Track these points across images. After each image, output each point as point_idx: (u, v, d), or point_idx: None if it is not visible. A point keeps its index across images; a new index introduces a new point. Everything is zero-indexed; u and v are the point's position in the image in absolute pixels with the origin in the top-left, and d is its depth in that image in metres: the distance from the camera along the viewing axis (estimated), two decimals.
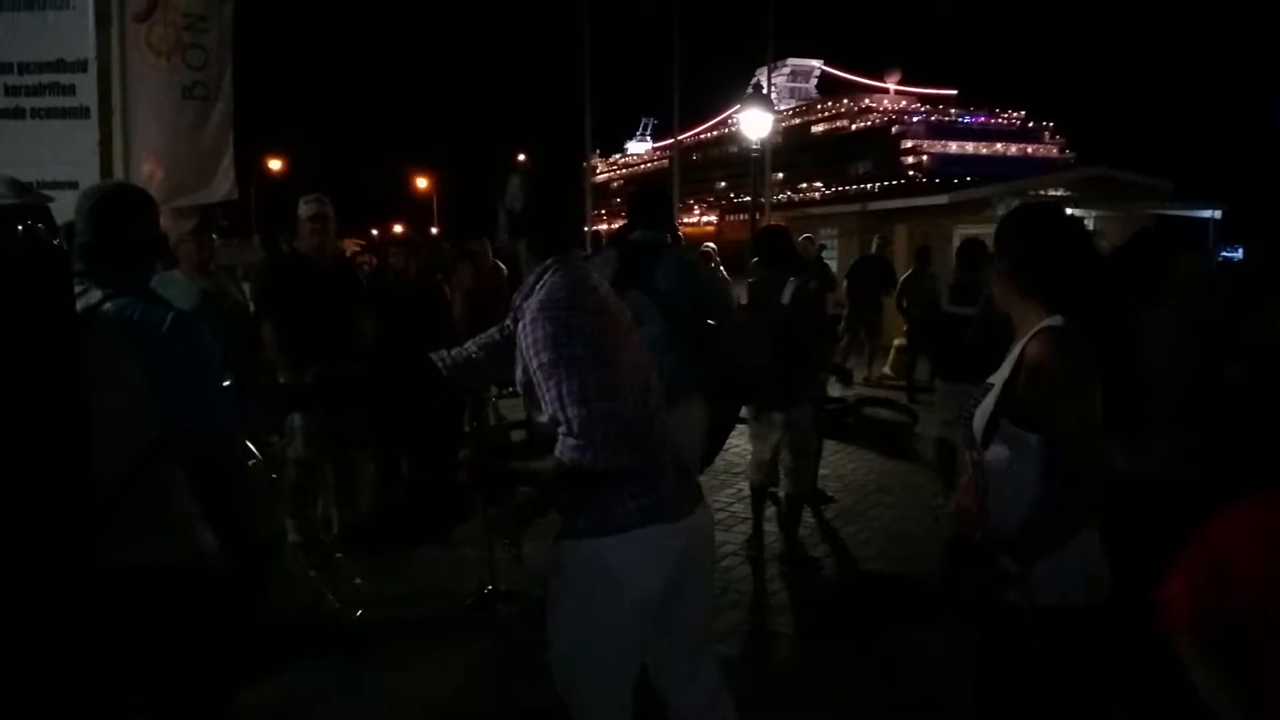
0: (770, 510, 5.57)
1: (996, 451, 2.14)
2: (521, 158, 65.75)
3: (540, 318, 2.12)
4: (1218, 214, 17.35)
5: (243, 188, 4.71)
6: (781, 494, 5.41)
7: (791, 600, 4.83)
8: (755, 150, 17.80)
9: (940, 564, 2.25)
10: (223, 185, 4.63)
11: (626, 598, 2.23)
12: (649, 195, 4.27)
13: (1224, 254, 17.29)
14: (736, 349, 3.99)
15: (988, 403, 2.17)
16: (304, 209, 4.66)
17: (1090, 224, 16.69)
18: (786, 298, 4.92)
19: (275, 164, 40.81)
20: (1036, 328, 2.12)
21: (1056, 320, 2.11)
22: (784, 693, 3.90)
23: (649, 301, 3.74)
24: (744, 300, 5.29)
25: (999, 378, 2.18)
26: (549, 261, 2.25)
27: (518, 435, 2.82)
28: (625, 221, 4.14)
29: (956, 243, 16.82)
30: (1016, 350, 2.16)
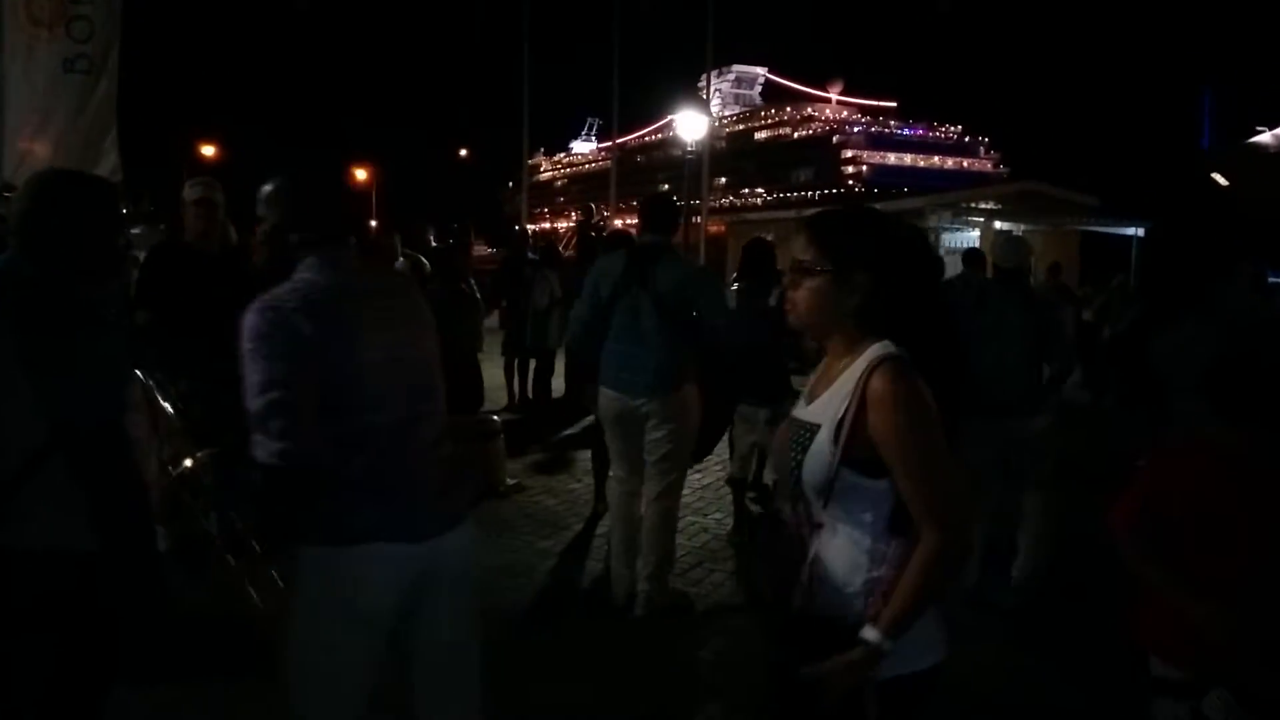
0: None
1: (836, 509, 1.86)
2: (464, 153, 64.97)
3: (252, 309, 2.07)
4: (1140, 231, 17.76)
5: (174, 174, 4.44)
6: (766, 480, 5.77)
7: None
8: (690, 153, 17.78)
9: (774, 656, 1.98)
10: (105, 165, 4.36)
11: (348, 612, 2.13)
12: (659, 202, 4.64)
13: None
14: (726, 347, 4.32)
15: (821, 450, 1.85)
16: (188, 192, 4.32)
17: (1017, 233, 17.02)
18: (774, 301, 5.20)
19: (208, 150, 39.86)
20: (872, 357, 1.84)
21: (890, 347, 1.85)
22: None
23: (647, 299, 4.21)
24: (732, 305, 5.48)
25: (827, 417, 1.87)
26: (306, 259, 2.18)
27: None
28: (637, 223, 4.55)
29: None
30: (849, 384, 1.85)
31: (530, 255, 10.19)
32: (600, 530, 5.83)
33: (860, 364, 1.86)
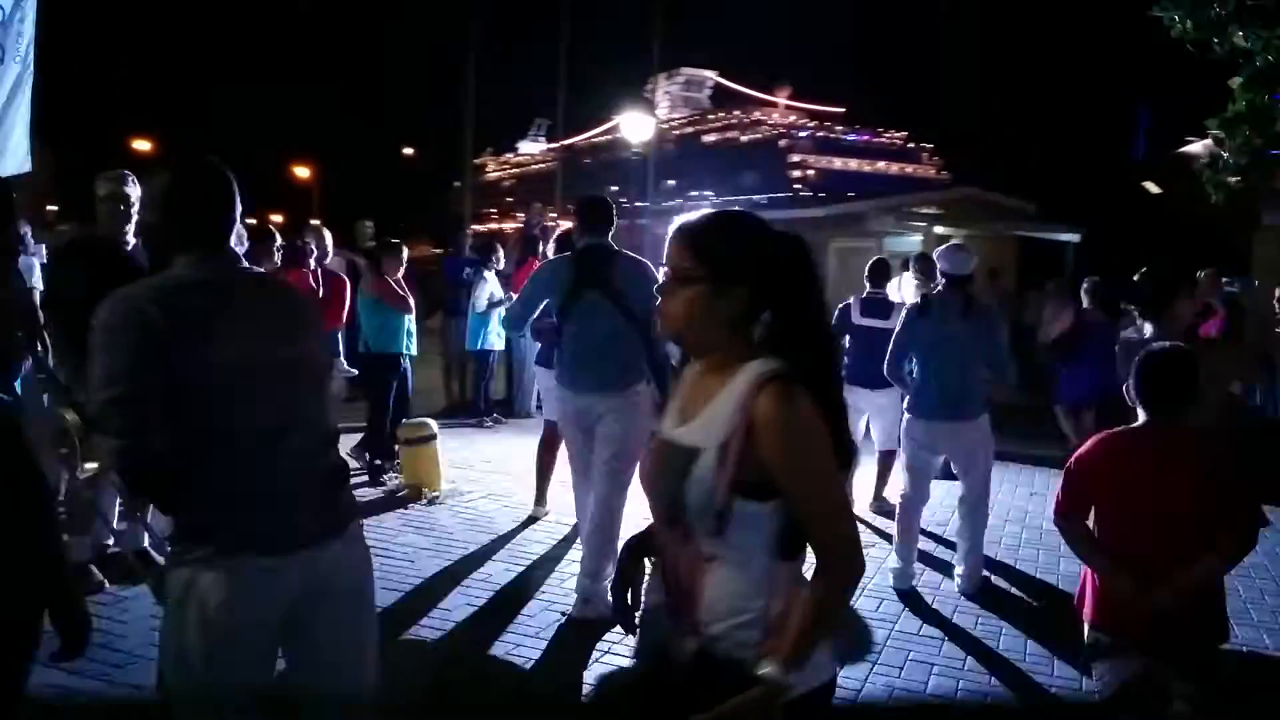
0: None
1: (728, 538, 1.73)
2: (410, 151, 64.16)
3: (104, 302, 1.99)
4: (1076, 238, 18.12)
5: (103, 169, 4.24)
6: None
7: None
8: (636, 154, 17.77)
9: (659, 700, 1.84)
10: (14, 159, 4.17)
11: (216, 628, 2.01)
12: (595, 203, 4.60)
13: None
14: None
15: (706, 476, 1.71)
16: (99, 187, 4.11)
17: (958, 242, 17.21)
18: None
19: (143, 145, 38.90)
20: (755, 374, 1.72)
21: (773, 363, 1.73)
22: None
23: (607, 301, 4.29)
24: None
25: (710, 441, 1.74)
26: (179, 258, 2.11)
27: None
28: (572, 225, 4.62)
29: (833, 255, 17.17)
30: (731, 404, 1.73)
31: (470, 256, 10.05)
32: (538, 535, 5.75)
33: (741, 382, 1.73)
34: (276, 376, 2.12)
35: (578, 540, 5.58)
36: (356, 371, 7.15)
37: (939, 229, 16.39)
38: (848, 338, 6.44)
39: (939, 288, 5.26)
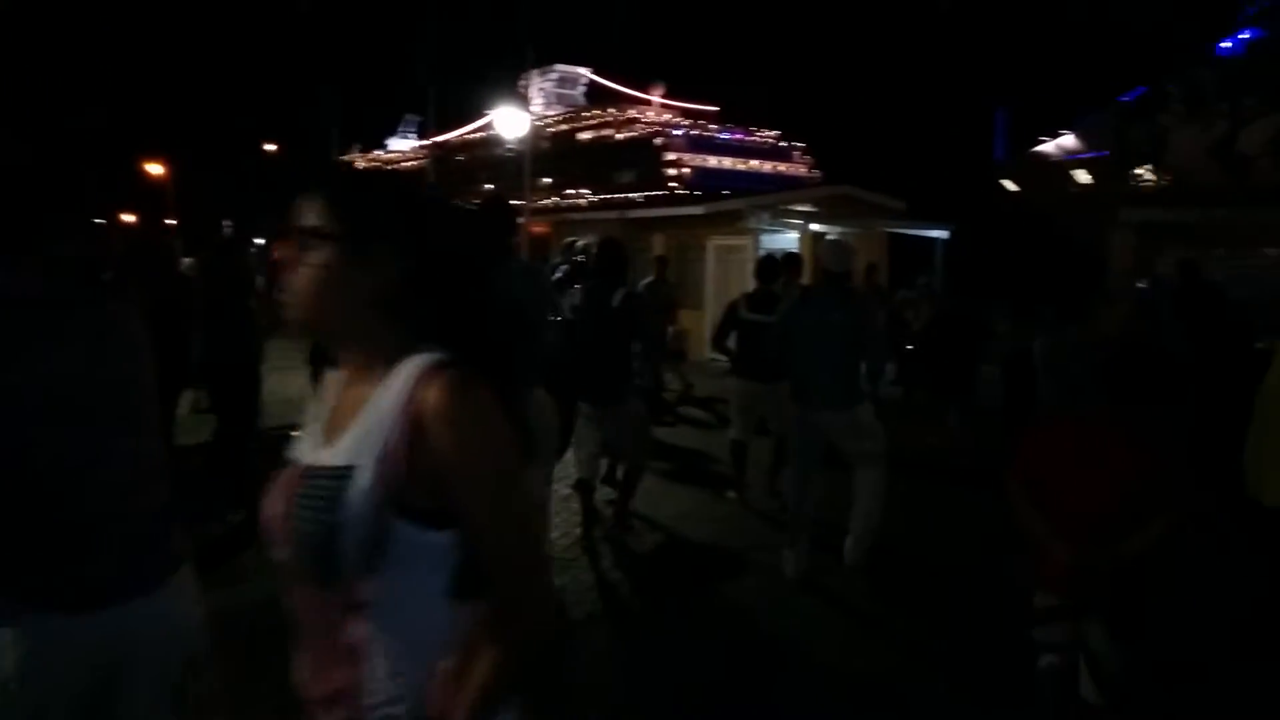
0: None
1: (391, 578, 1.35)
2: (271, 148, 61.91)
3: None
4: (945, 234, 18.61)
5: None
6: (620, 470, 5.98)
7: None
8: (510, 150, 17.34)
9: None
10: None
11: (8, 697, 1.75)
12: (492, 205, 4.67)
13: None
14: (558, 350, 4.41)
15: (361, 501, 1.32)
16: None
17: (832, 238, 17.43)
18: (616, 301, 5.35)
19: None
20: (416, 366, 1.37)
21: (438, 353, 1.39)
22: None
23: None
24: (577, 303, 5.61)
25: (364, 456, 1.34)
26: None
27: None
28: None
29: (711, 251, 17.12)
30: (387, 406, 1.35)
31: None
32: None
33: (400, 378, 1.37)
34: (82, 403, 1.81)
35: None
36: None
37: (814, 226, 16.52)
38: (734, 334, 6.67)
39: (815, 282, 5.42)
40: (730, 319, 6.64)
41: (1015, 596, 4.59)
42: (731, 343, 6.67)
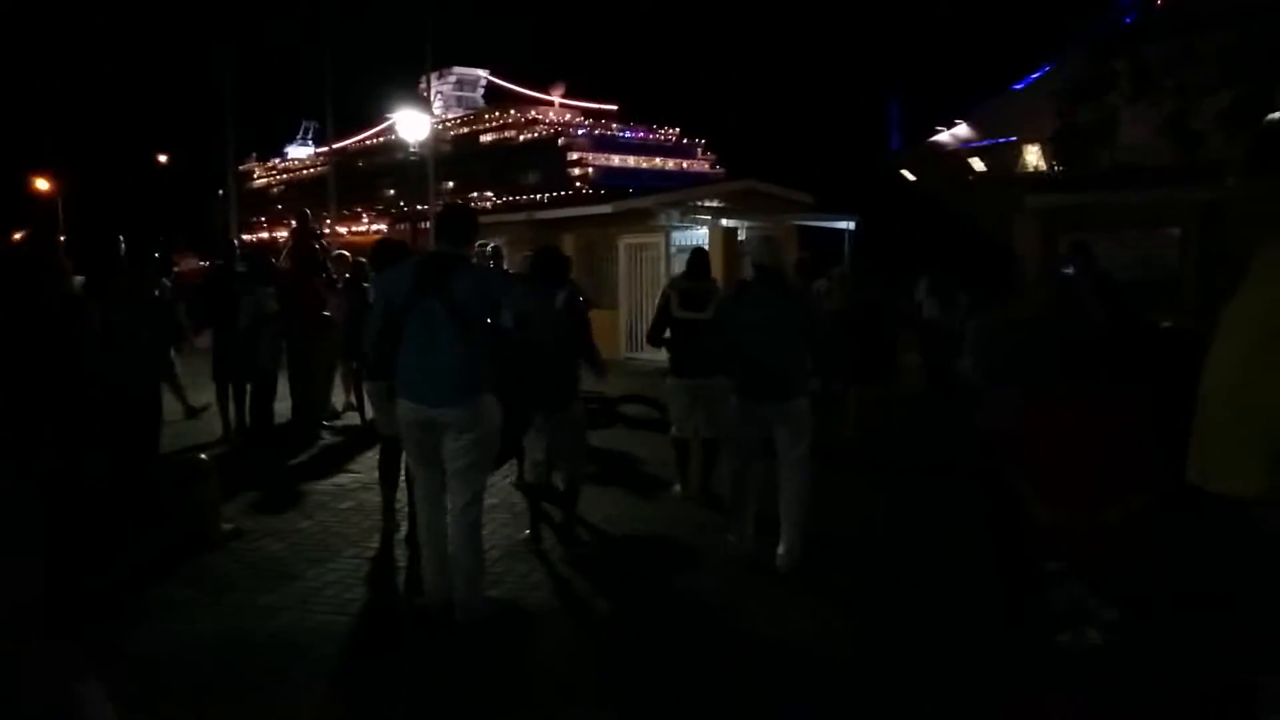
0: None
1: None
2: (163, 159, 59.47)
3: None
4: (852, 225, 18.95)
5: None
6: (560, 482, 5.93)
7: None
8: (414, 154, 17.03)
9: None
10: None
11: None
12: (453, 212, 4.77)
13: None
14: (514, 355, 4.45)
15: None
16: None
17: (742, 234, 17.68)
18: (559, 303, 5.42)
19: None
20: None
21: None
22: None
23: (442, 309, 4.21)
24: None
25: None
26: None
27: None
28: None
29: (623, 250, 17.13)
30: None
31: (239, 268, 9.14)
32: (331, 577, 5.16)
33: None
34: None
35: (383, 580, 5.10)
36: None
37: (725, 221, 16.62)
38: (668, 330, 6.65)
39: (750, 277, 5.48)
40: (664, 317, 6.64)
41: (956, 580, 5.06)
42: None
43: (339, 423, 9.88)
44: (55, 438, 4.10)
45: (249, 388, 8.77)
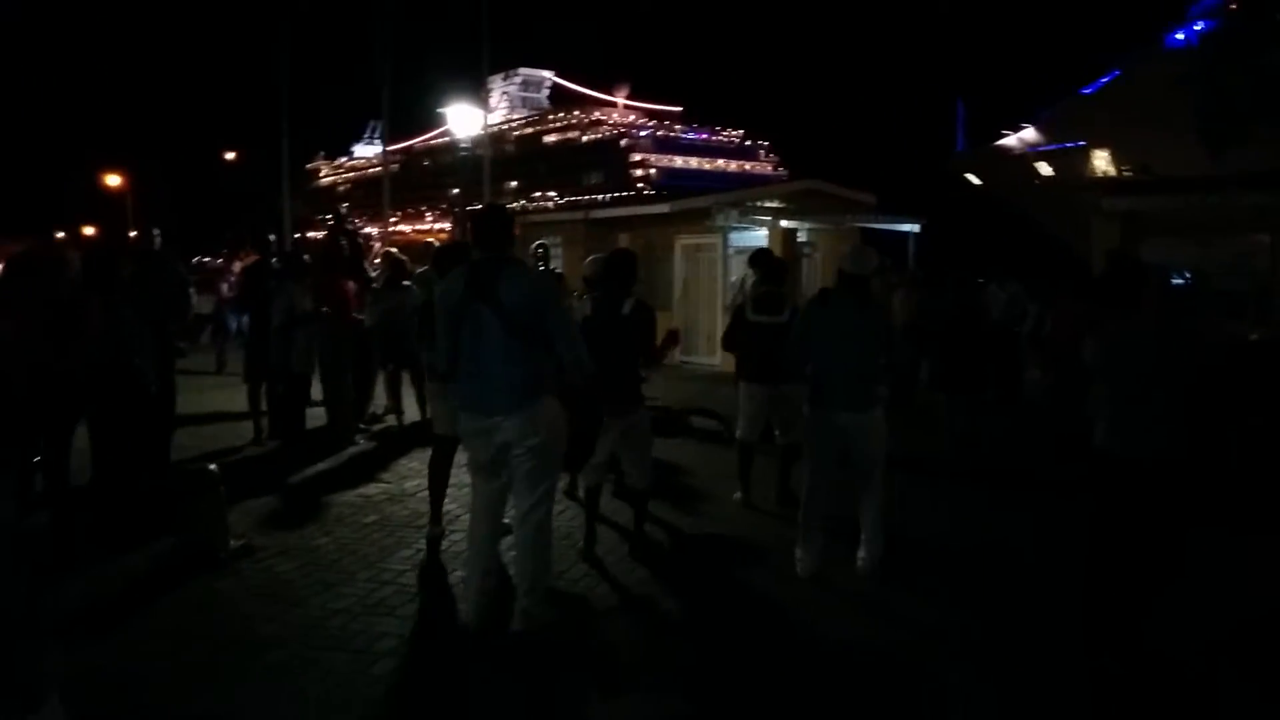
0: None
1: None
2: (231, 156, 60.66)
3: None
4: (917, 228, 18.18)
5: None
6: (632, 487, 5.75)
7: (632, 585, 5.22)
8: (466, 150, 16.75)
9: None
10: None
11: None
12: (489, 215, 4.59)
13: None
14: (575, 357, 4.25)
15: None
16: None
17: (802, 235, 17.05)
18: (627, 310, 5.35)
19: None
20: None
21: None
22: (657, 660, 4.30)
23: (491, 315, 4.13)
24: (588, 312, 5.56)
25: None
26: None
27: None
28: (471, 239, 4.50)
29: (679, 251, 16.64)
30: None
31: (274, 264, 8.86)
32: (342, 604, 4.73)
33: None
34: None
35: (394, 610, 4.66)
36: None
37: (785, 223, 16.01)
38: (741, 336, 6.64)
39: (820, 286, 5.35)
40: (738, 321, 6.69)
41: (1027, 584, 5.19)
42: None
43: (377, 427, 9.55)
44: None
45: (280, 390, 8.46)
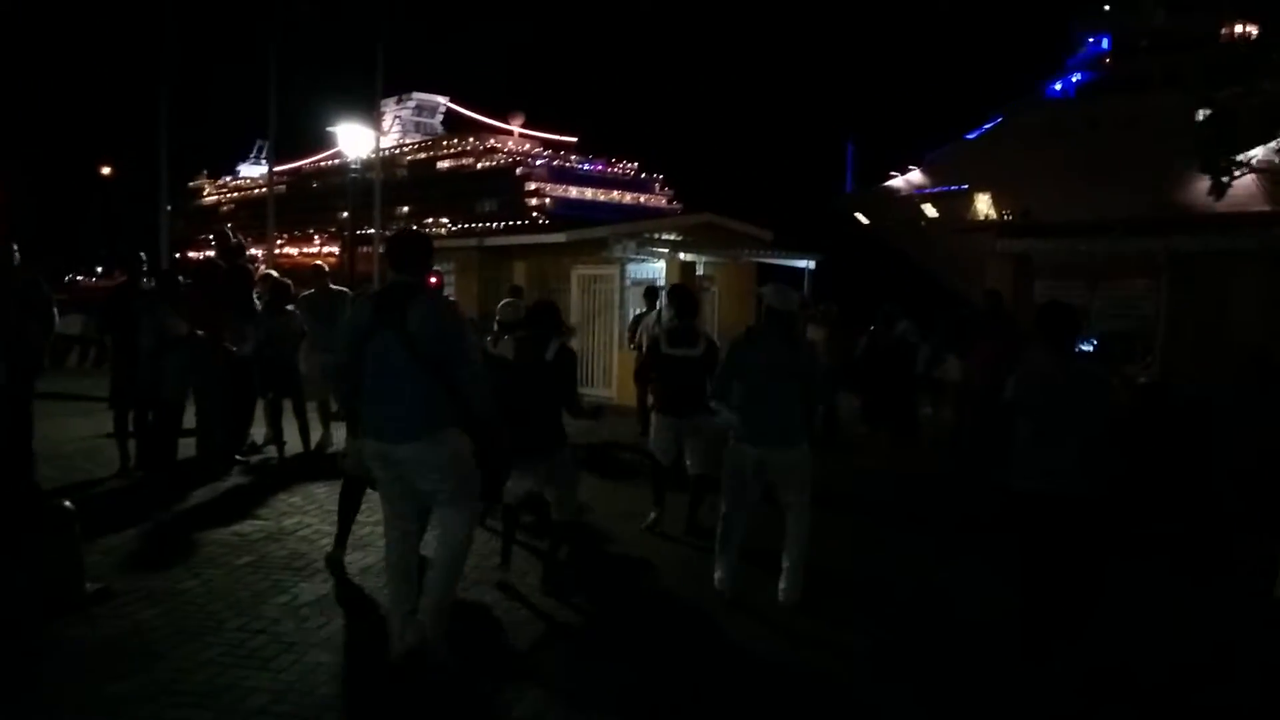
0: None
1: None
2: (107, 171, 57.84)
3: None
4: (812, 264, 18.46)
5: None
6: (555, 519, 5.71)
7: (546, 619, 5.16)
8: (355, 171, 16.28)
9: None
10: None
11: None
12: (406, 240, 4.52)
13: None
14: (476, 390, 4.26)
15: None
16: None
17: (700, 268, 17.09)
18: (550, 354, 5.38)
19: None
20: None
21: None
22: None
23: (396, 339, 4.09)
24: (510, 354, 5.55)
25: None
26: None
27: None
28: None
29: (575, 282, 16.47)
30: None
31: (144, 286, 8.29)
32: (207, 655, 4.30)
33: None
34: None
35: (267, 662, 4.27)
36: None
37: (683, 255, 16.02)
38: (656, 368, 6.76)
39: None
40: (653, 354, 6.83)
41: (943, 606, 5.47)
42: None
43: (255, 458, 9.01)
44: None
45: (149, 418, 7.90)
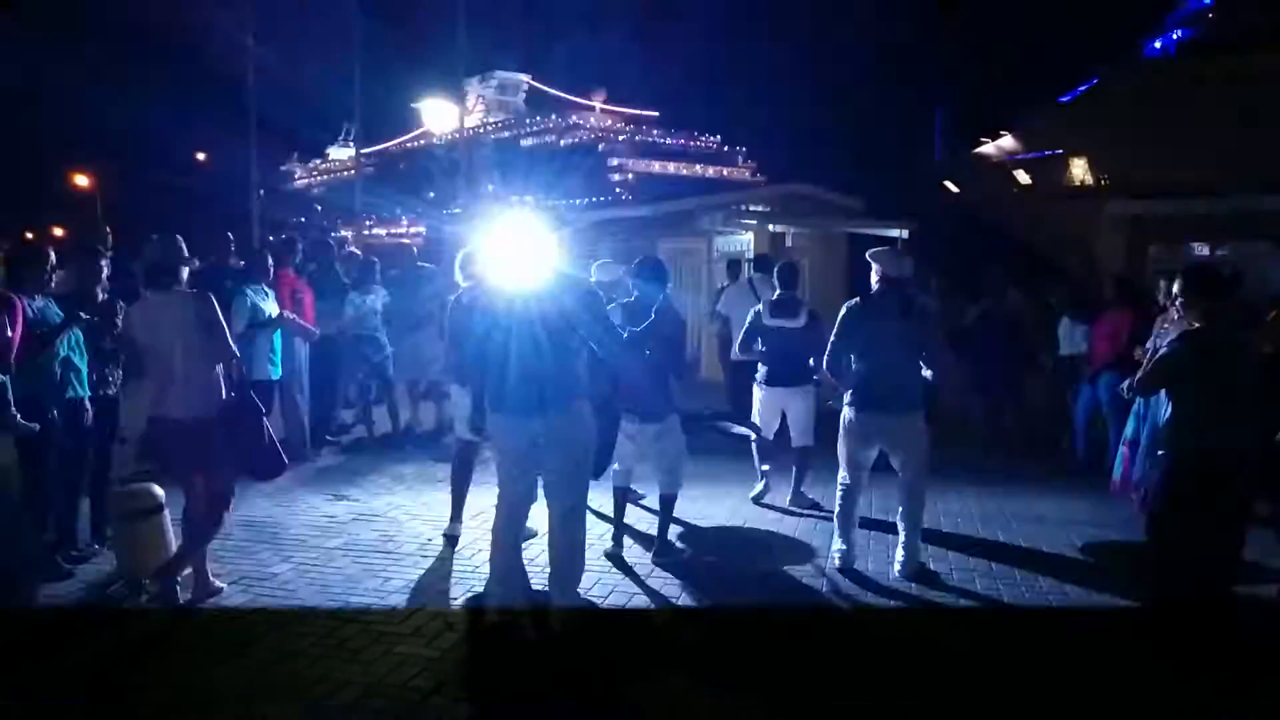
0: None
1: None
2: (201, 156, 59.66)
3: None
4: (905, 233, 17.81)
5: None
6: (658, 493, 5.75)
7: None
8: (446, 154, 16.26)
9: None
10: None
11: None
12: (524, 222, 4.43)
13: None
14: (614, 364, 4.40)
15: None
16: None
17: (789, 240, 16.61)
18: (654, 315, 5.30)
19: None
20: None
21: None
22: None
23: (529, 318, 4.14)
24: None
25: None
26: None
27: None
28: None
29: (662, 256, 16.17)
30: None
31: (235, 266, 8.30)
32: (301, 645, 4.19)
33: None
34: None
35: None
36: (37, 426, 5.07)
37: (771, 227, 15.57)
38: (759, 339, 6.70)
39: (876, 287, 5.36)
40: (755, 326, 6.79)
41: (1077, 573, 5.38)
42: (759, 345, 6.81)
43: (346, 438, 9.00)
44: None
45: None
